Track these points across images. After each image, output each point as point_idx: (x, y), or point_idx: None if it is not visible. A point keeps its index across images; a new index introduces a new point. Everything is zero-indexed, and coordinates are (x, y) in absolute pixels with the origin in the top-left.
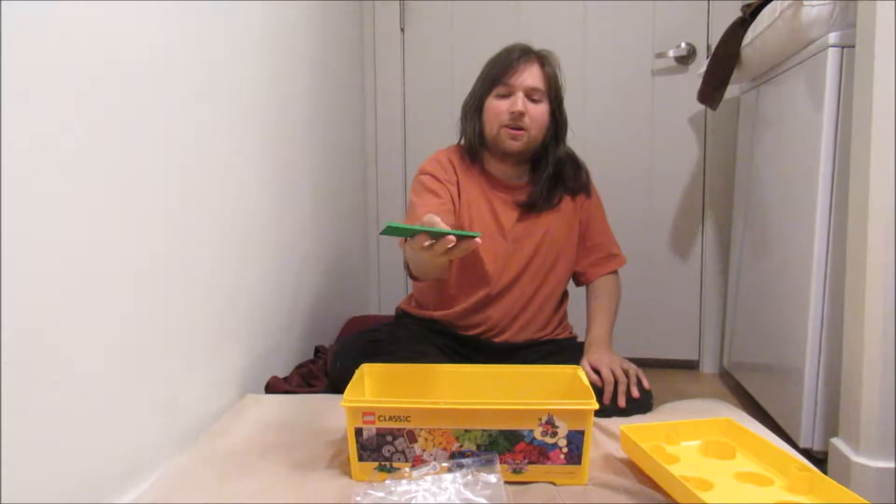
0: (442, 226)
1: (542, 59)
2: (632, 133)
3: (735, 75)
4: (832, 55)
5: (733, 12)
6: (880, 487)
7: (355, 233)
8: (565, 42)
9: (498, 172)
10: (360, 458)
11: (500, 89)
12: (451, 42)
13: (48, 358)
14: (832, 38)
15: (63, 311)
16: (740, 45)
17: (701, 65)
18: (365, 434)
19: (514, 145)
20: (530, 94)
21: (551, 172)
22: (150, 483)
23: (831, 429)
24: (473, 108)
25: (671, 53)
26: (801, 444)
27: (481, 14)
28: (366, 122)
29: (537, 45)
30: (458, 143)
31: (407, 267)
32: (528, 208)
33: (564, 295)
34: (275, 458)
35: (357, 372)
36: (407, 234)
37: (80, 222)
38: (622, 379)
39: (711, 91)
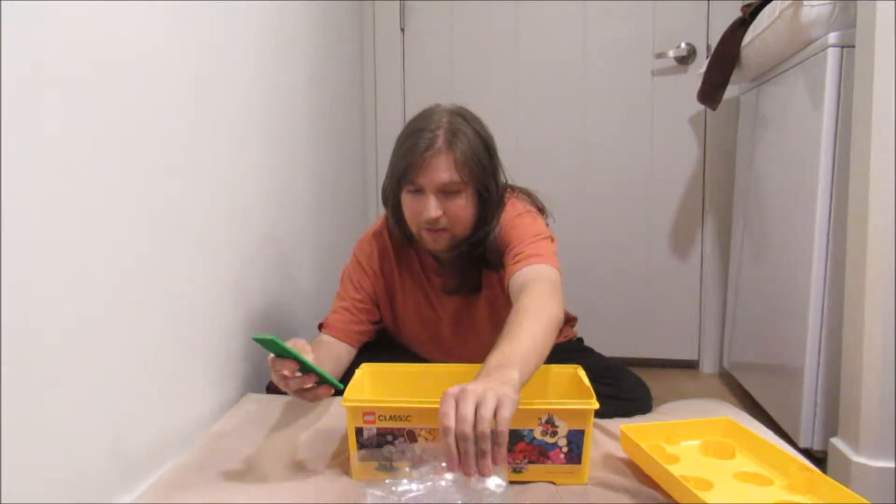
0: (310, 360)
1: (452, 143)
2: (632, 133)
3: (735, 75)
4: (832, 55)
5: (733, 12)
6: (880, 487)
7: (355, 233)
8: (565, 42)
9: (429, 260)
10: (360, 458)
11: (409, 187)
12: (451, 42)
13: (48, 358)
14: (832, 38)
15: (63, 311)
16: (740, 45)
17: (701, 65)
18: (365, 434)
19: (436, 247)
20: (444, 189)
21: (473, 257)
22: (150, 483)
23: (831, 428)
24: (392, 200)
25: (671, 53)
26: (801, 444)
27: (481, 14)
28: (366, 122)
29: (537, 44)
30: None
31: None
32: (458, 295)
33: None
34: (275, 458)
35: (357, 372)
36: (276, 351)
37: (81, 222)
38: (468, 433)
39: (711, 91)
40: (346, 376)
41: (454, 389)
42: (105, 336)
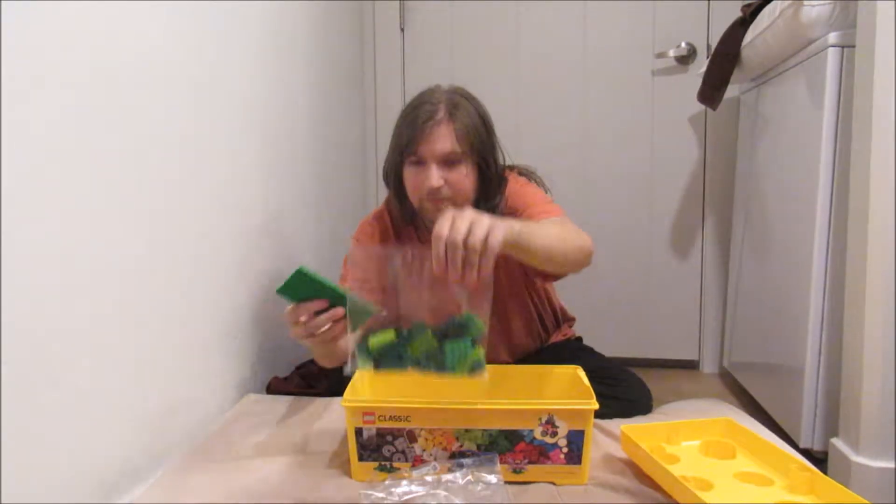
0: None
1: (453, 115)
2: (632, 133)
3: (735, 75)
4: (832, 55)
5: (733, 12)
6: (880, 487)
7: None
8: (565, 42)
9: (429, 238)
10: (360, 458)
11: (411, 158)
12: (451, 42)
13: (48, 358)
14: (832, 38)
15: (63, 311)
16: (740, 45)
17: (701, 65)
18: (365, 434)
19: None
20: (445, 160)
21: None
22: (150, 483)
23: (831, 429)
24: (393, 176)
25: (671, 53)
26: (801, 444)
27: (481, 14)
28: (366, 122)
29: (537, 44)
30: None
31: None
32: None
33: (550, 307)
34: (275, 458)
35: (357, 372)
36: (301, 292)
37: (81, 222)
38: (458, 242)
39: (711, 91)
40: (346, 378)
41: (453, 211)
42: (105, 336)
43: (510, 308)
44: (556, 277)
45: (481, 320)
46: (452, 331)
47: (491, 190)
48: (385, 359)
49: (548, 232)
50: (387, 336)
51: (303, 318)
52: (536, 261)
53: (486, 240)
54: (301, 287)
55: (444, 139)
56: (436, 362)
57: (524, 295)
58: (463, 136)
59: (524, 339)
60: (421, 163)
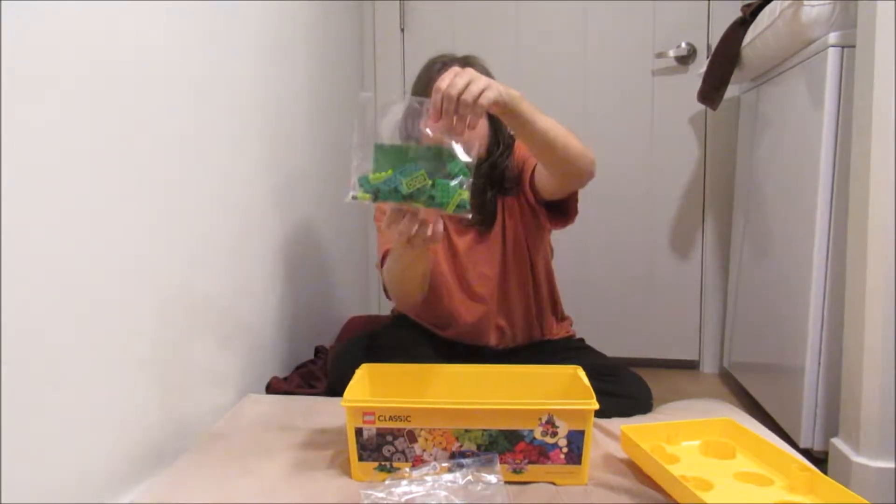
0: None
1: (466, 67)
2: (632, 133)
3: (735, 75)
4: (832, 55)
5: (733, 12)
6: (880, 487)
7: (355, 232)
8: (565, 42)
9: None
10: (360, 458)
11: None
12: (451, 42)
13: (48, 358)
14: (832, 38)
15: (63, 311)
16: (740, 45)
17: (701, 65)
18: (365, 434)
19: None
20: None
21: (490, 183)
22: (150, 483)
23: (831, 429)
24: None
25: (671, 53)
26: (801, 444)
27: (481, 14)
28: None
29: (537, 44)
30: None
31: (385, 290)
32: (479, 226)
33: (554, 296)
34: (275, 458)
35: (357, 372)
36: (384, 191)
37: (81, 222)
38: (453, 95)
39: (711, 91)
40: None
41: (456, 69)
42: (105, 336)
43: (511, 286)
44: (567, 213)
45: (468, 167)
46: (443, 172)
47: (500, 139)
48: (383, 192)
49: (554, 123)
50: (387, 173)
51: (403, 228)
52: (535, 142)
53: (478, 96)
54: (386, 160)
55: None
56: (427, 197)
57: (528, 278)
58: None
59: (523, 318)
60: None
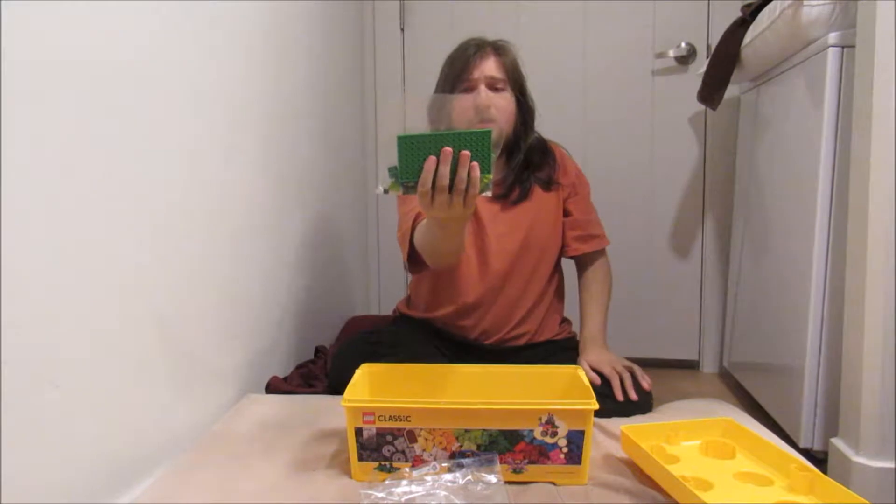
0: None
1: (498, 49)
2: (632, 133)
3: (735, 75)
4: (832, 55)
5: (733, 12)
6: (880, 487)
7: (355, 232)
8: (565, 42)
9: None
10: (360, 458)
11: (461, 87)
12: (451, 42)
13: (48, 358)
14: (832, 38)
15: (63, 311)
16: (740, 45)
17: (701, 65)
18: (365, 434)
19: None
20: (492, 85)
21: (521, 160)
22: (150, 483)
23: (831, 429)
24: (435, 111)
25: (671, 53)
26: (801, 444)
27: (481, 14)
28: (365, 122)
29: (537, 44)
30: None
31: (408, 262)
32: (507, 200)
33: (560, 295)
34: (275, 458)
35: (357, 372)
36: (419, 147)
37: (80, 222)
38: (626, 375)
39: (711, 91)
40: (347, 376)
41: (605, 358)
42: (105, 336)
43: (525, 268)
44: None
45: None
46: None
47: (527, 121)
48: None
49: (606, 310)
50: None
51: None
52: None
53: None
54: (411, 152)
55: (492, 65)
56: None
57: (541, 266)
58: (507, 68)
59: (530, 311)
60: (471, 90)
